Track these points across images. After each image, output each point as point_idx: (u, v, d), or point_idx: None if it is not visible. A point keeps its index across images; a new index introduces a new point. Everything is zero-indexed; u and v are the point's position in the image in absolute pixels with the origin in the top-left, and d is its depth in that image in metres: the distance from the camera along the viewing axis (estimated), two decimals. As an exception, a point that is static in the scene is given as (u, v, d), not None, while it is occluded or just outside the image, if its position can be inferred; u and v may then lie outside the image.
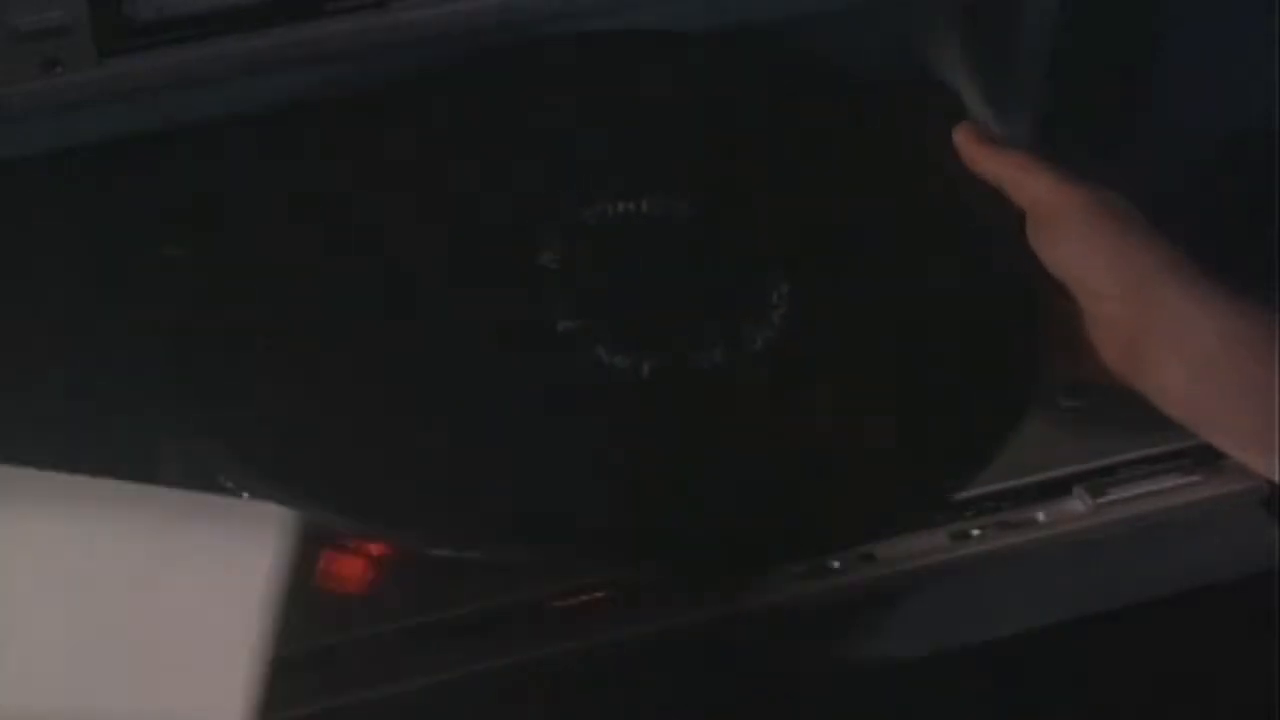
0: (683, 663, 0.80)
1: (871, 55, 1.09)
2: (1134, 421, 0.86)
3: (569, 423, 0.66)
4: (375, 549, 0.78)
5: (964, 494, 0.82)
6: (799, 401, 0.68)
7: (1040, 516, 0.83)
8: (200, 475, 0.69)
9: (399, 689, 0.76)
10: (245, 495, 0.67)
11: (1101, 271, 0.70)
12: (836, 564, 0.81)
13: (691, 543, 0.64)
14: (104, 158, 0.88)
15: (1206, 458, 0.85)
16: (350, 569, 0.77)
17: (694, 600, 0.79)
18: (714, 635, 0.80)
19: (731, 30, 0.81)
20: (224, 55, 0.81)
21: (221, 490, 0.67)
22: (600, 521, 0.64)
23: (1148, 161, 0.95)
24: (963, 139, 0.76)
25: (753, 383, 0.68)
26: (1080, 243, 0.70)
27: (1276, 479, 0.66)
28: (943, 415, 0.68)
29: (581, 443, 0.66)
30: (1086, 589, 0.85)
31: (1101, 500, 0.83)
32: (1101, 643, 0.85)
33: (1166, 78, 1.07)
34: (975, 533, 0.82)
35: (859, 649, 0.82)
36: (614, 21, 0.91)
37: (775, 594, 0.80)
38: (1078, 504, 0.84)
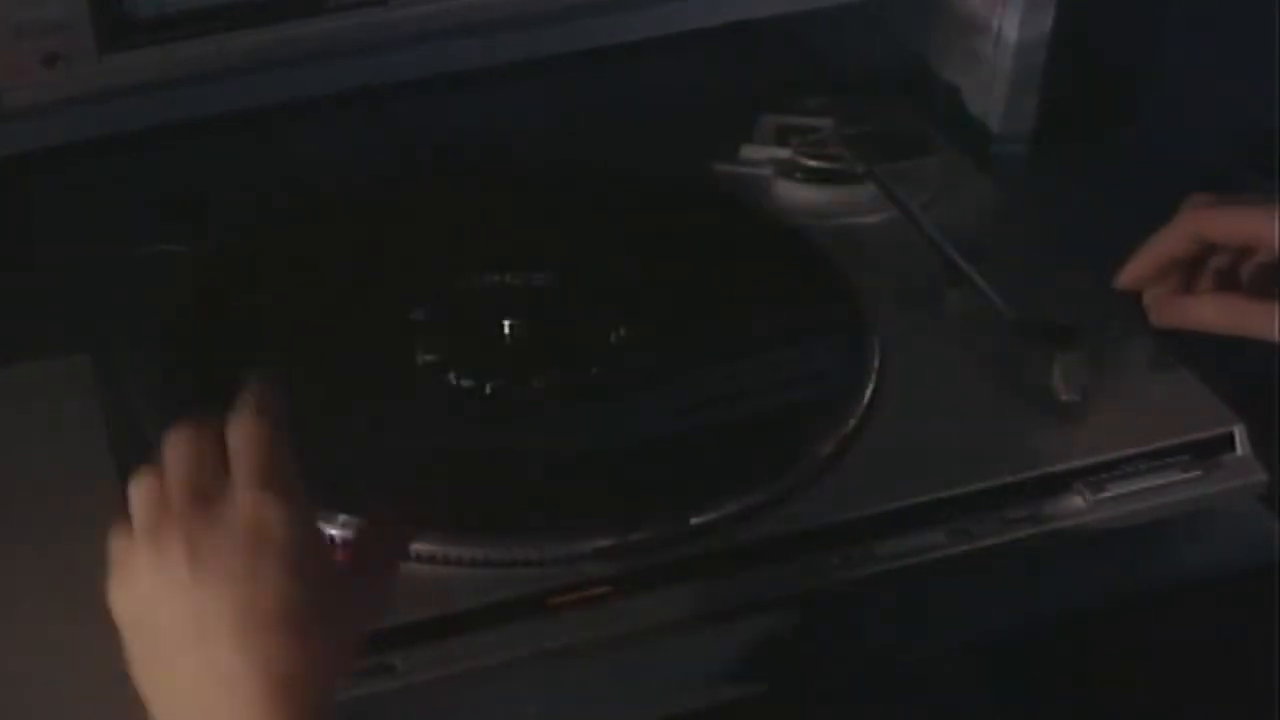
0: (682, 661, 0.80)
1: (868, 55, 1.10)
2: (1134, 418, 0.86)
3: (428, 426, 0.87)
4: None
5: (964, 490, 0.82)
6: (622, 411, 0.87)
7: (1040, 513, 0.83)
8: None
9: (399, 687, 0.75)
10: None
11: None
12: (836, 561, 0.81)
13: (517, 516, 0.82)
14: (104, 157, 0.89)
15: (1206, 454, 0.85)
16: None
17: (693, 599, 0.79)
18: (713, 634, 0.80)
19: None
20: (224, 52, 0.82)
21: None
22: (435, 498, 0.81)
23: (1147, 162, 0.95)
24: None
25: (582, 398, 0.88)
26: None
27: None
28: (741, 423, 0.87)
29: (431, 440, 0.86)
30: (1086, 586, 0.85)
31: (1101, 496, 0.83)
32: (1101, 640, 0.84)
33: (1166, 78, 1.08)
34: (975, 529, 0.82)
35: (859, 646, 0.82)
36: (608, 23, 0.92)
37: (774, 592, 0.80)
38: (1078, 500, 0.83)
